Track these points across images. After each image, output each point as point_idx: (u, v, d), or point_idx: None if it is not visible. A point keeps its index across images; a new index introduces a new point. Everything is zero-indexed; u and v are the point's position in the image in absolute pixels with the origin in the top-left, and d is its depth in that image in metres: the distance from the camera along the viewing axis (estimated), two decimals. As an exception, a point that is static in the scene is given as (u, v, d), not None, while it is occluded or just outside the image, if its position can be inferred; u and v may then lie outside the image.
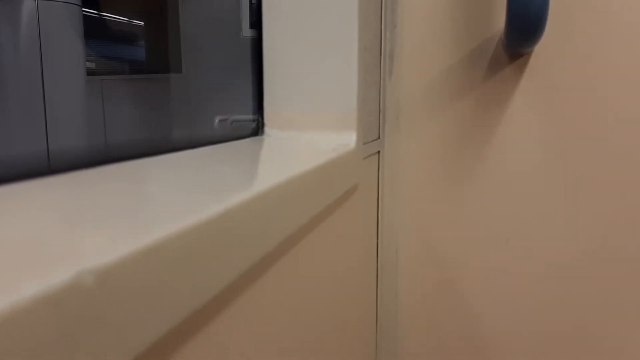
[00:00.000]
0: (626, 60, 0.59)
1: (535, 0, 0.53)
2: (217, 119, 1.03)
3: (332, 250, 0.51)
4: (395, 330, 0.72)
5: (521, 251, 0.66)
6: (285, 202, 0.36)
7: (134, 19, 1.53)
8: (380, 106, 0.65)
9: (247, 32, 1.03)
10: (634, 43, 0.58)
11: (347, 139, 0.52)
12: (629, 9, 0.58)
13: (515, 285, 0.67)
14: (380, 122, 0.66)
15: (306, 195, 0.41)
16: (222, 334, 0.30)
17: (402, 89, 0.66)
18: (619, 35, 0.59)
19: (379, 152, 0.66)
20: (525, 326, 0.67)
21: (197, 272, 0.25)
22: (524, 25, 0.54)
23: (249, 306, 0.33)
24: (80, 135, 1.37)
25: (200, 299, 0.26)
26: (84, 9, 1.38)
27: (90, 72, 1.40)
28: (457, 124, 0.66)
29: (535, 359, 0.67)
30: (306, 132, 0.54)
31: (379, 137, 0.65)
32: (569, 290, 0.65)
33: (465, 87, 0.65)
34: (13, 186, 0.29)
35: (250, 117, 0.58)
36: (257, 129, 0.55)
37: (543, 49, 0.61)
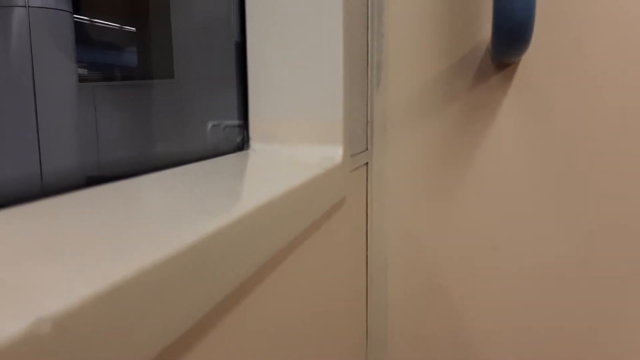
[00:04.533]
0: (612, 69, 0.59)
1: (521, 10, 0.52)
2: (209, 125, 1.02)
3: (319, 264, 0.51)
4: (386, 341, 0.72)
5: (509, 259, 0.66)
6: (269, 223, 0.36)
7: (126, 25, 1.53)
8: (367, 117, 0.65)
9: (239, 38, 1.02)
10: (620, 53, 0.58)
11: (334, 153, 0.52)
12: (616, 20, 0.58)
13: (505, 293, 0.67)
14: (368, 133, 0.65)
15: (291, 214, 0.40)
16: (211, 354, 0.29)
17: (390, 99, 0.66)
18: (606, 46, 0.59)
19: (367, 163, 0.65)
20: (515, 333, 0.67)
21: (175, 303, 0.24)
22: (510, 35, 0.54)
23: (237, 325, 0.33)
24: (72, 143, 1.37)
25: (177, 330, 0.25)
26: (75, 16, 1.37)
27: (82, 79, 1.39)
28: (445, 134, 0.65)
29: (526, 368, 0.67)
30: (292, 145, 0.53)
31: (366, 149, 0.65)
32: (556, 296, 0.65)
33: (452, 97, 0.64)
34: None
35: (242, 123, 0.58)
36: (242, 144, 0.54)
37: (530, 59, 0.61)
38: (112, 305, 0.20)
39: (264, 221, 0.35)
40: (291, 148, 0.53)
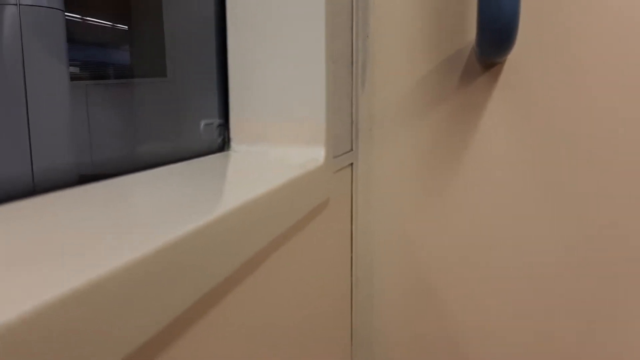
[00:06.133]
0: (598, 68, 0.58)
1: (506, 10, 0.52)
2: (202, 123, 1.02)
3: (303, 264, 0.51)
4: (371, 342, 0.72)
5: (496, 259, 0.66)
6: (248, 224, 0.36)
7: (118, 23, 1.52)
8: (352, 117, 0.65)
9: (222, 37, 1.02)
10: (607, 50, 0.58)
11: (316, 154, 0.52)
12: (602, 17, 0.58)
13: (495, 294, 0.67)
14: (353, 133, 0.65)
15: (271, 215, 0.40)
16: (187, 355, 0.29)
17: (375, 99, 0.66)
18: (592, 43, 0.58)
19: (352, 164, 0.65)
20: (505, 334, 0.67)
21: (149, 303, 0.24)
22: (495, 34, 0.53)
23: (216, 325, 0.33)
24: (64, 141, 1.36)
25: (149, 331, 0.25)
26: (66, 14, 1.37)
27: (74, 77, 1.38)
28: (431, 134, 0.65)
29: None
30: (274, 146, 0.53)
31: (351, 149, 0.65)
32: (548, 297, 0.65)
33: (439, 97, 0.64)
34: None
35: (224, 124, 0.58)
36: (223, 145, 0.54)
37: (516, 58, 0.61)
38: (82, 307, 0.20)
39: (243, 222, 0.34)
40: (273, 149, 0.53)
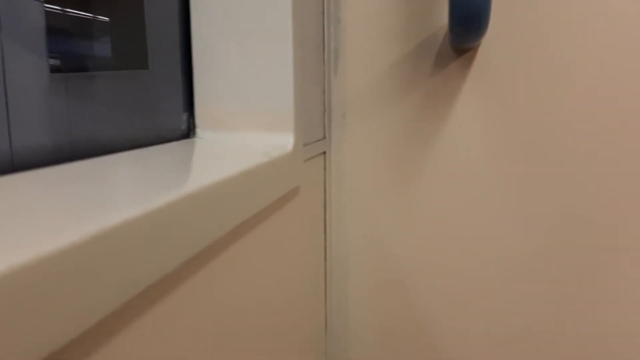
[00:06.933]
0: (572, 55, 0.57)
1: (478, -6, 0.51)
2: (184, 116, 1.01)
3: (270, 254, 0.49)
4: (346, 336, 0.71)
5: (472, 251, 0.65)
6: (203, 210, 0.34)
7: (99, 15, 1.50)
8: (325, 105, 0.63)
9: (185, 23, 1.02)
10: (580, 37, 0.57)
11: (284, 141, 0.51)
12: (575, 2, 0.56)
13: (467, 285, 0.66)
14: (326, 121, 0.64)
15: (231, 202, 0.39)
16: (132, 352, 0.28)
17: (349, 86, 0.64)
18: (566, 30, 0.57)
19: (324, 152, 0.64)
20: (477, 325, 0.66)
21: (94, 286, 0.23)
22: (467, 19, 0.52)
23: (171, 315, 0.31)
24: (44, 132, 1.34)
25: (86, 322, 0.24)
26: (46, 5, 1.34)
27: (54, 69, 1.36)
28: (405, 122, 0.64)
29: (486, 358, 0.66)
30: (241, 133, 0.52)
31: (324, 137, 0.63)
32: (519, 289, 0.64)
33: (413, 84, 0.63)
34: None
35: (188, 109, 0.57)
36: (188, 131, 0.52)
37: (490, 44, 0.59)
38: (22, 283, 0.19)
39: (197, 208, 0.33)
40: (240, 136, 0.52)
